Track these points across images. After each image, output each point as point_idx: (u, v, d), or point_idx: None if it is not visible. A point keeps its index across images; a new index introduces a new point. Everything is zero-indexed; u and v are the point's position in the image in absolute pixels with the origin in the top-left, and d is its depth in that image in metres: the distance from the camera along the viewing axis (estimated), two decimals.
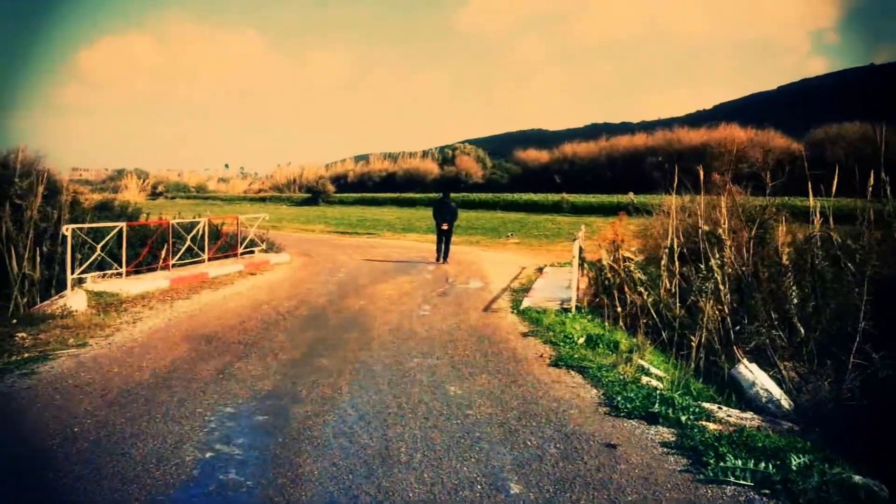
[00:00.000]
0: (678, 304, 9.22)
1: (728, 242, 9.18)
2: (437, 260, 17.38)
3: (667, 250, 9.89)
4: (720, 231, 9.29)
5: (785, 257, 8.82)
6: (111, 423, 5.26)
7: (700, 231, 9.75)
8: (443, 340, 8.45)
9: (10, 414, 5.47)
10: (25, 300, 9.90)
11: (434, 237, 18.31)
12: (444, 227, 17.23)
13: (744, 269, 9.28)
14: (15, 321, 8.88)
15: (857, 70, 77.50)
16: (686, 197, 12.16)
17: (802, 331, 8.13)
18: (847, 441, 5.59)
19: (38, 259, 10.24)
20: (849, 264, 8.46)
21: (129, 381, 6.40)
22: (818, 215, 9.15)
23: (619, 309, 10.04)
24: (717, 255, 9.07)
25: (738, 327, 8.68)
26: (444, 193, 18.22)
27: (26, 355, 7.20)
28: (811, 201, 9.42)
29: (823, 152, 34.65)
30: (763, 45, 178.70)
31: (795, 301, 8.43)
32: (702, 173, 10.50)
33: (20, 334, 8.13)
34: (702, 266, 9.07)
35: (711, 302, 8.75)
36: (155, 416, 5.44)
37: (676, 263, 9.65)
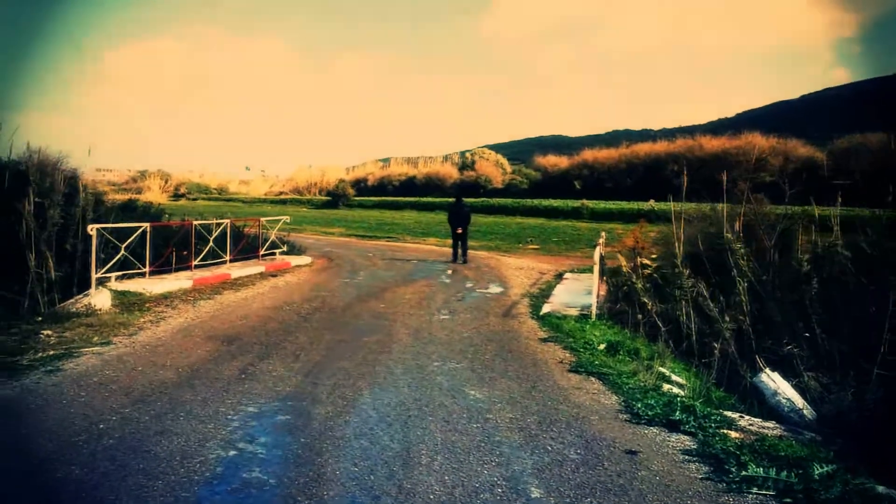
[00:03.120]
0: (698, 312, 9.17)
1: (744, 251, 9.12)
2: (455, 261, 18.29)
3: (686, 259, 9.84)
4: (738, 241, 9.23)
5: (806, 266, 8.75)
6: (136, 420, 5.33)
7: (724, 239, 9.69)
8: (463, 345, 8.47)
9: (36, 410, 5.55)
10: (46, 298, 10.02)
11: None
12: (459, 231, 18.19)
13: (765, 277, 9.22)
14: (40, 319, 9.01)
15: (880, 80, 76.60)
16: (706, 205, 12.10)
17: (825, 340, 8.06)
18: (870, 452, 5.54)
19: (61, 258, 10.35)
20: (871, 274, 8.40)
21: (154, 379, 6.48)
22: (839, 224, 9.10)
23: (640, 316, 10.00)
24: (738, 265, 9.03)
25: (760, 336, 8.63)
26: (458, 199, 19.19)
27: (52, 352, 7.31)
28: (833, 210, 9.37)
29: (846, 162, 34.21)
30: (786, 54, 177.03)
31: (817, 310, 8.37)
32: (724, 179, 10.40)
33: (45, 332, 8.25)
34: (722, 274, 9.03)
35: (732, 311, 8.71)
36: (179, 414, 5.51)
37: (685, 272, 9.59)
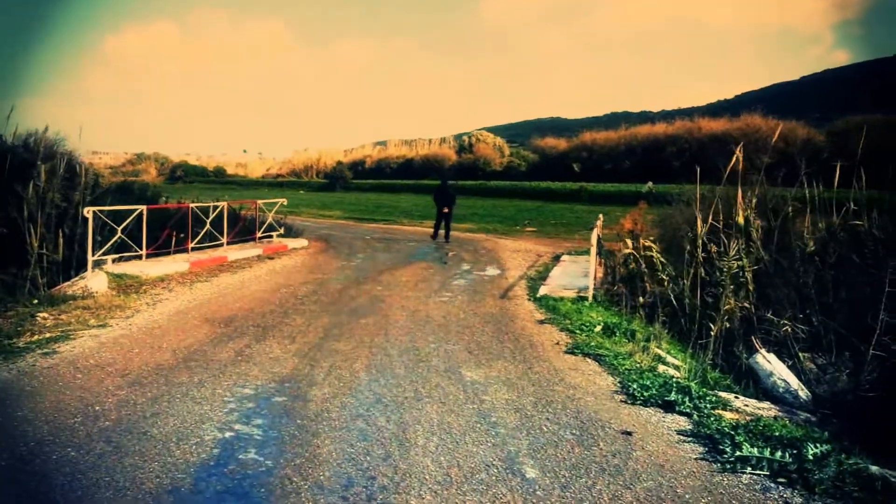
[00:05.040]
0: (698, 294, 9.17)
1: (754, 230, 9.11)
2: (434, 238, 19.32)
3: (689, 239, 9.82)
4: (755, 220, 9.23)
5: (809, 246, 8.75)
6: (132, 402, 5.34)
7: (725, 220, 9.68)
8: (459, 326, 8.47)
9: (32, 392, 5.55)
10: (45, 280, 10.01)
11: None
12: (445, 210, 18.92)
13: (765, 259, 9.22)
14: (36, 301, 9.00)
15: (881, 61, 76.13)
16: (707, 187, 12.05)
17: (821, 321, 8.08)
18: (864, 432, 5.56)
19: (61, 240, 10.34)
20: (869, 255, 8.40)
21: (150, 361, 6.48)
22: (848, 205, 9.08)
23: (640, 299, 9.99)
24: (740, 246, 9.01)
25: (757, 317, 8.64)
26: (444, 181, 20.40)
27: (48, 335, 7.31)
28: (822, 191, 9.36)
29: (847, 143, 34.07)
30: (786, 35, 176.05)
31: (815, 292, 8.38)
32: (741, 158, 10.21)
33: (42, 314, 8.24)
34: (723, 256, 9.01)
35: (731, 292, 8.71)
36: (175, 396, 5.51)
37: (699, 252, 9.57)
